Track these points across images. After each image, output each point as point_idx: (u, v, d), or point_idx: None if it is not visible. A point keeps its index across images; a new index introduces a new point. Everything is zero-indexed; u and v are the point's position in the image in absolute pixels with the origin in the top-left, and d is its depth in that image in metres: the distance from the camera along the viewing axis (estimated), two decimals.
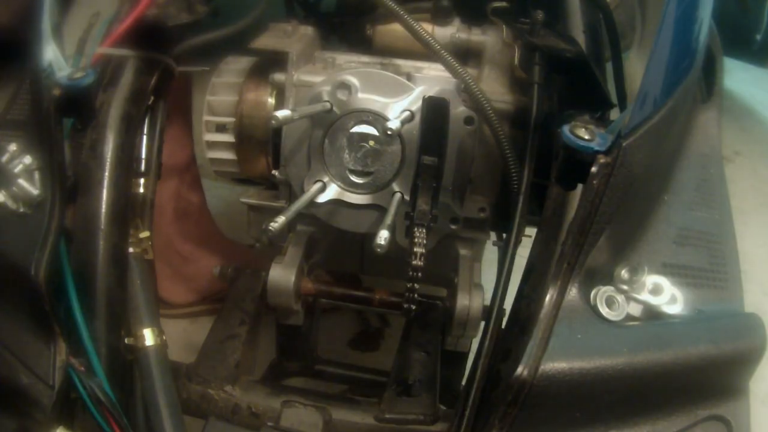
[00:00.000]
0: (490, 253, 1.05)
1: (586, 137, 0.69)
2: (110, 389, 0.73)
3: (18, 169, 0.78)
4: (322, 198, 0.93)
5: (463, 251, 1.02)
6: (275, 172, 0.99)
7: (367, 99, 0.90)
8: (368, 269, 1.13)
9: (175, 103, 1.21)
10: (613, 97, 0.90)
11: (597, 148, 0.68)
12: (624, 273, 0.71)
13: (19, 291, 0.74)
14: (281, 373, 1.16)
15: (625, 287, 0.70)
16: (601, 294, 0.69)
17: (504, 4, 0.98)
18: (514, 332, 0.73)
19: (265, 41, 0.99)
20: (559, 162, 0.73)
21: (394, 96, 0.91)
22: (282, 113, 0.81)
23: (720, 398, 0.70)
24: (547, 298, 0.67)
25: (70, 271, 0.77)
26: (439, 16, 1.01)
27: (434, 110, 0.86)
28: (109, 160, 0.84)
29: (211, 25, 1.01)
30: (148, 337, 0.83)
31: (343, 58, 1.01)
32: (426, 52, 0.90)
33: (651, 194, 0.80)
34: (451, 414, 0.84)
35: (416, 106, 0.89)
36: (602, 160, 0.68)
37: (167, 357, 0.85)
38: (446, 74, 0.91)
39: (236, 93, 1.01)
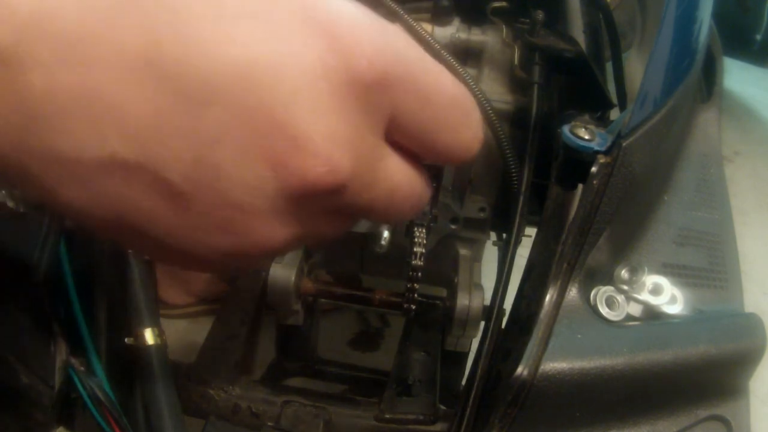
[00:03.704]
0: (490, 253, 1.05)
1: (586, 137, 0.69)
2: (110, 389, 0.73)
3: None
4: None
5: (463, 251, 1.02)
6: None
7: None
8: (368, 269, 1.13)
9: None
10: (613, 97, 0.90)
11: (597, 148, 0.68)
12: (624, 273, 0.70)
13: (19, 291, 0.74)
14: (281, 373, 1.16)
15: (625, 287, 0.70)
16: (601, 294, 0.69)
17: (504, 4, 0.98)
18: (514, 332, 0.73)
19: None
20: (559, 162, 0.72)
21: None
22: None
23: (720, 398, 0.70)
24: (547, 298, 0.66)
25: (70, 271, 0.77)
26: (439, 16, 1.01)
27: None
28: None
29: None
30: (148, 337, 0.83)
31: None
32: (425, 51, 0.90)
33: (651, 194, 0.80)
34: (451, 414, 0.83)
35: None
36: (602, 160, 0.68)
37: (167, 357, 0.85)
38: None
39: None
